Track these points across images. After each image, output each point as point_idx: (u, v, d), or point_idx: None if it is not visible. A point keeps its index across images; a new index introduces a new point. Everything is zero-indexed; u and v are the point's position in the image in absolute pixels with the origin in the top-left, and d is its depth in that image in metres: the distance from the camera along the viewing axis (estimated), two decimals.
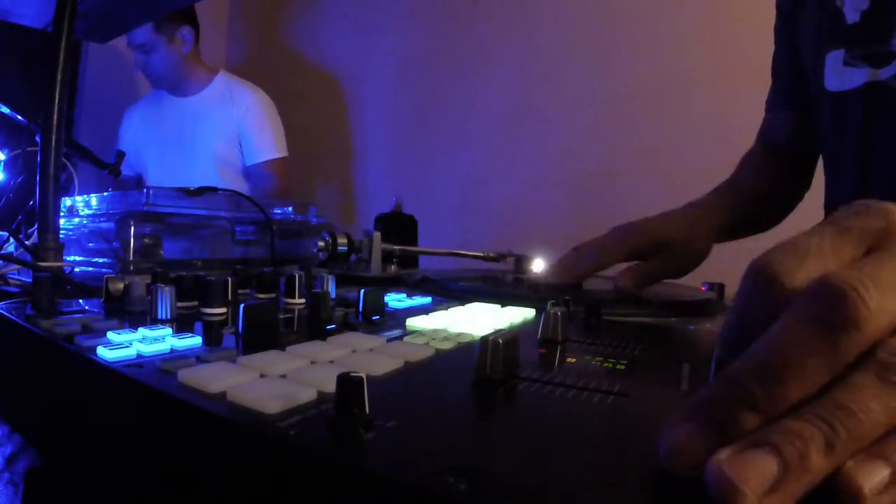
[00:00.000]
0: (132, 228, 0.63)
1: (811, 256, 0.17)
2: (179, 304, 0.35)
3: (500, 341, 0.23)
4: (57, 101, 0.45)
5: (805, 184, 0.73)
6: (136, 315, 0.35)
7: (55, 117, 0.45)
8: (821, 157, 0.68)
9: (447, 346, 0.29)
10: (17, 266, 0.63)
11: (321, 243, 0.67)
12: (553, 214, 1.47)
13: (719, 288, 0.56)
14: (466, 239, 1.57)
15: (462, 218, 1.64)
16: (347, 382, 0.17)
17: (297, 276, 0.42)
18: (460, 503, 0.13)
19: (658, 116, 1.33)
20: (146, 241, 0.64)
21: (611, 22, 1.41)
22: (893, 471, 0.14)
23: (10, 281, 0.63)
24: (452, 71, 1.70)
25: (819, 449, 0.13)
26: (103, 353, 0.25)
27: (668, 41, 1.32)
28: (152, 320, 0.33)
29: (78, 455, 0.26)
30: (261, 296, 0.45)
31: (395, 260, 0.71)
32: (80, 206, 0.75)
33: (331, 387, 0.18)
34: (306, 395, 0.20)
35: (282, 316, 0.36)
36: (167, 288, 0.34)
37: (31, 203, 0.78)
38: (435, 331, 0.32)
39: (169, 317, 0.33)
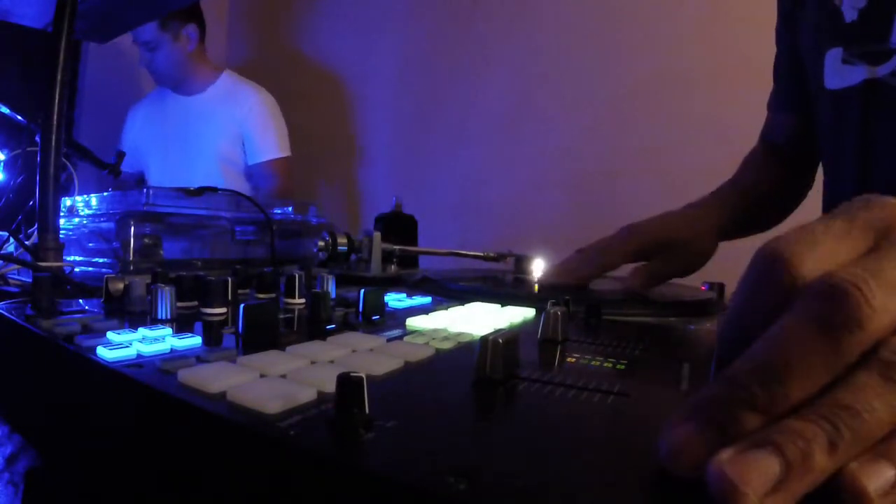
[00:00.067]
0: (132, 228, 0.63)
1: (819, 243, 0.17)
2: (179, 304, 0.35)
3: (500, 341, 0.23)
4: (57, 101, 0.45)
5: (806, 184, 0.73)
6: (136, 315, 0.35)
7: (55, 117, 0.45)
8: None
9: (447, 346, 0.29)
10: (17, 266, 0.63)
11: (321, 243, 0.67)
12: (553, 214, 1.47)
13: (719, 288, 0.56)
14: (466, 239, 1.57)
15: (462, 218, 1.64)
16: (347, 382, 0.17)
17: (297, 276, 0.42)
18: (460, 503, 0.13)
19: (658, 116, 1.33)
20: (146, 241, 0.64)
21: (611, 22, 1.41)
22: None
23: (10, 281, 0.63)
24: (452, 71, 1.70)
25: (822, 449, 0.13)
26: (103, 353, 0.25)
27: (668, 41, 1.32)
28: (152, 320, 0.33)
29: (78, 455, 0.26)
30: (261, 296, 0.45)
31: (395, 260, 0.71)
32: (80, 206, 0.75)
33: (331, 387, 0.18)
34: (306, 395, 0.20)
35: (282, 316, 0.36)
36: (167, 288, 0.34)
37: (31, 203, 0.78)
38: (435, 331, 0.32)
39: (169, 317, 0.33)
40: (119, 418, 0.24)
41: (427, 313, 0.37)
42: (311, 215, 0.90)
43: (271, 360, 0.24)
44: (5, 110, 0.92)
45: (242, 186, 1.59)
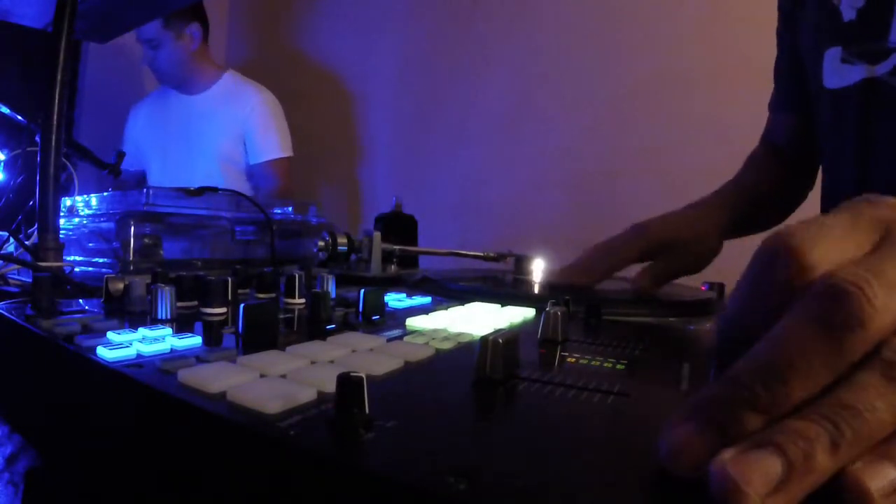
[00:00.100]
0: (132, 228, 0.63)
1: (825, 237, 0.17)
2: (179, 304, 0.35)
3: (500, 341, 0.23)
4: (57, 101, 0.45)
5: (807, 184, 0.74)
6: (136, 315, 0.35)
7: (55, 117, 0.45)
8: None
9: (447, 346, 0.29)
10: (17, 266, 0.63)
11: (321, 243, 0.67)
12: (553, 214, 1.47)
13: (719, 288, 0.56)
14: (466, 239, 1.57)
15: (462, 218, 1.64)
16: (347, 382, 0.17)
17: (297, 276, 0.42)
18: (460, 503, 0.13)
19: (658, 116, 1.33)
20: (146, 241, 0.64)
21: (611, 22, 1.41)
22: None
23: (10, 281, 0.63)
24: (452, 71, 1.70)
25: (824, 449, 0.13)
26: (103, 353, 0.25)
27: (668, 41, 1.32)
28: (152, 320, 0.33)
29: (78, 455, 0.26)
30: (261, 296, 0.45)
31: (395, 260, 0.71)
32: (80, 206, 0.75)
33: (331, 387, 0.18)
34: (306, 395, 0.20)
35: (282, 316, 0.36)
36: (167, 288, 0.34)
37: (31, 203, 0.78)
38: (435, 331, 0.32)
39: (169, 317, 0.33)
40: (119, 418, 0.24)
41: (427, 313, 0.37)
42: (311, 215, 0.90)
43: (271, 360, 0.24)
44: (5, 110, 0.92)
45: (243, 186, 1.59)
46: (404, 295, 0.45)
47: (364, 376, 0.17)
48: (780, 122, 0.73)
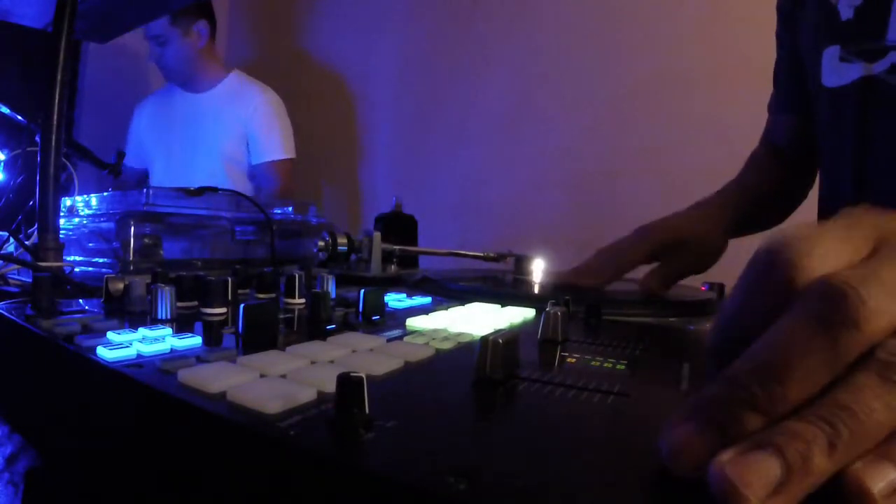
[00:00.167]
0: (132, 228, 0.63)
1: (821, 244, 0.17)
2: (179, 304, 0.35)
3: (500, 341, 0.23)
4: (57, 101, 0.45)
5: (807, 184, 0.74)
6: (136, 315, 0.35)
7: (55, 117, 0.45)
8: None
9: (447, 346, 0.29)
10: (17, 266, 0.63)
11: (321, 243, 0.67)
12: (553, 214, 1.47)
13: (719, 288, 0.56)
14: (466, 239, 1.57)
15: (462, 218, 1.64)
16: (347, 382, 0.17)
17: (297, 276, 0.42)
18: (460, 503, 0.13)
19: (658, 116, 1.33)
20: (146, 241, 0.64)
21: (611, 22, 1.41)
22: None
23: (10, 281, 0.63)
24: (452, 71, 1.70)
25: (822, 450, 0.13)
26: (103, 353, 0.25)
27: (668, 41, 1.32)
28: (152, 320, 0.33)
29: (78, 455, 0.26)
30: (261, 296, 0.45)
31: (395, 260, 0.71)
32: (80, 206, 0.75)
33: (331, 387, 0.18)
34: (306, 395, 0.20)
35: (282, 316, 0.36)
36: (167, 288, 0.34)
37: (31, 203, 0.78)
38: (435, 331, 0.32)
39: (169, 317, 0.33)
40: (119, 418, 0.24)
41: (427, 313, 0.37)
42: (311, 215, 0.90)
43: (271, 360, 0.24)
44: (5, 110, 0.92)
45: (245, 186, 1.59)
46: (404, 295, 0.45)
47: (364, 376, 0.17)
48: (781, 123, 0.73)
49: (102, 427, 0.25)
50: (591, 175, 1.43)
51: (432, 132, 1.75)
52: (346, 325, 0.34)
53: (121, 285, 0.38)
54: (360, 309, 0.36)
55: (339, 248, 0.68)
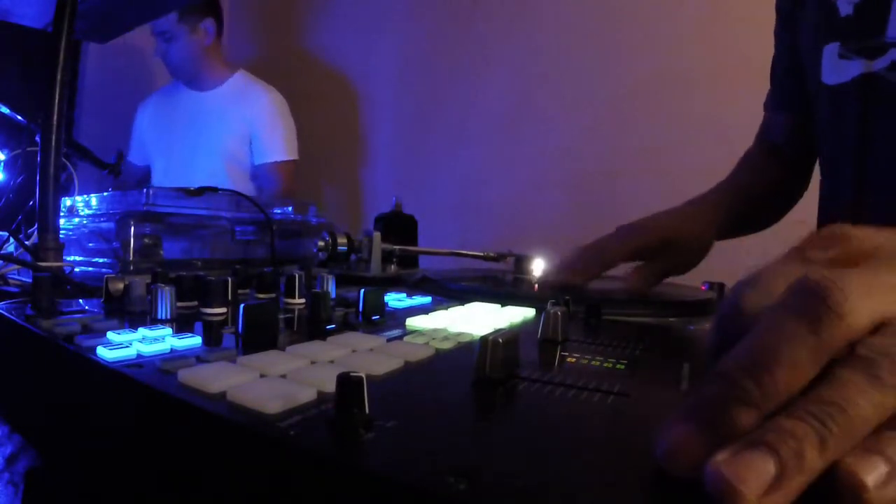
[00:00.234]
0: (132, 228, 0.63)
1: (776, 294, 0.18)
2: (179, 304, 0.35)
3: (500, 341, 0.23)
4: (57, 101, 0.45)
5: (803, 184, 0.74)
6: (136, 315, 0.35)
7: (55, 117, 0.45)
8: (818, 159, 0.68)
9: (447, 346, 0.29)
10: (17, 266, 0.63)
11: (321, 243, 0.67)
12: (553, 214, 1.47)
13: (719, 288, 0.56)
14: (466, 239, 1.57)
15: (462, 218, 1.64)
16: (347, 382, 0.17)
17: (297, 276, 0.42)
18: (460, 503, 0.13)
19: (658, 116, 1.33)
20: (146, 241, 0.64)
21: (611, 22, 1.41)
22: (890, 466, 0.14)
23: (10, 281, 0.63)
24: (452, 71, 1.70)
25: (813, 447, 0.14)
26: (103, 353, 0.25)
27: (668, 41, 1.32)
28: (152, 320, 0.33)
29: (78, 455, 0.26)
30: (261, 296, 0.45)
31: (395, 260, 0.71)
32: (80, 206, 0.75)
33: (331, 387, 0.18)
34: (306, 395, 0.20)
35: (282, 316, 0.36)
36: (167, 288, 0.34)
37: (31, 203, 0.78)
38: (435, 331, 0.32)
39: (169, 317, 0.33)
40: (119, 418, 0.24)
41: (427, 313, 0.37)
42: (311, 215, 0.90)
43: (271, 360, 0.24)
44: (5, 110, 0.92)
45: (247, 186, 1.59)
46: (404, 295, 0.45)
47: (364, 376, 0.17)
48: (779, 121, 0.73)
49: (102, 427, 0.25)
50: (591, 175, 1.43)
51: (432, 132, 1.75)
52: (346, 325, 0.34)
53: (121, 285, 0.38)
54: (360, 309, 0.36)
55: (339, 248, 0.68)
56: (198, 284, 0.37)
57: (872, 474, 0.13)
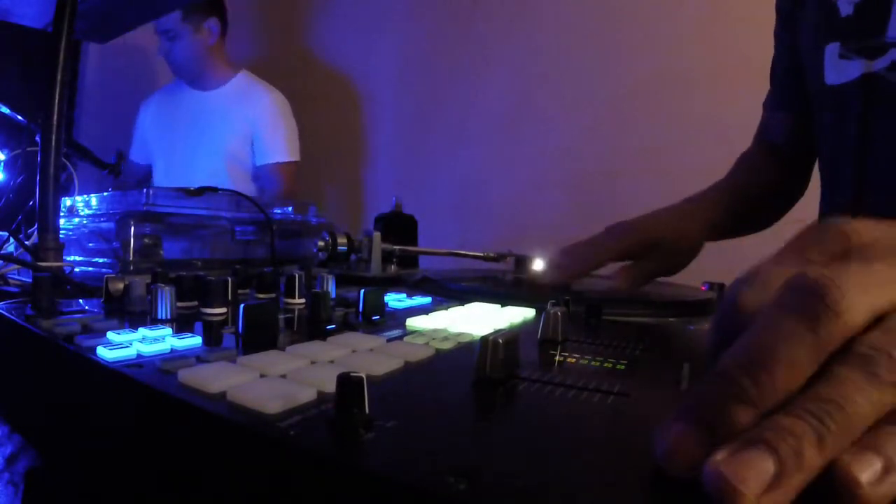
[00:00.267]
0: (132, 228, 0.63)
1: (774, 291, 0.18)
2: (179, 304, 0.35)
3: (500, 341, 0.23)
4: (57, 101, 0.45)
5: (802, 184, 0.74)
6: (136, 315, 0.35)
7: (55, 117, 0.45)
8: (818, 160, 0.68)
9: (447, 346, 0.29)
10: (17, 266, 0.63)
11: (321, 243, 0.67)
12: (553, 214, 1.47)
13: (719, 288, 0.56)
14: (466, 239, 1.57)
15: (462, 218, 1.64)
16: (347, 382, 0.17)
17: (297, 276, 0.42)
18: (460, 503, 0.13)
19: (658, 116, 1.33)
20: (146, 241, 0.64)
21: (611, 22, 1.41)
22: (886, 463, 0.14)
23: (10, 281, 0.63)
24: (452, 71, 1.70)
25: (812, 444, 0.14)
26: (103, 353, 0.25)
27: (668, 41, 1.32)
28: (152, 320, 0.33)
29: (78, 455, 0.26)
30: (261, 296, 0.45)
31: (395, 260, 0.71)
32: (80, 206, 0.75)
33: (331, 387, 0.18)
34: (306, 395, 0.20)
35: (282, 316, 0.36)
36: (167, 288, 0.34)
37: (31, 203, 0.78)
38: (435, 331, 0.32)
39: (169, 317, 0.33)
40: (119, 418, 0.24)
41: (427, 313, 0.37)
42: (311, 215, 0.90)
43: (271, 360, 0.24)
44: (5, 110, 0.92)
45: (248, 187, 1.59)
46: (404, 295, 0.45)
47: (364, 376, 0.17)
48: (778, 120, 0.73)
49: (102, 427, 0.25)
50: (591, 175, 1.43)
51: (432, 132, 1.75)
52: (346, 325, 0.34)
53: (121, 285, 0.38)
54: (360, 309, 0.36)
55: (339, 248, 0.68)
56: (198, 284, 0.37)
57: (867, 471, 0.14)
